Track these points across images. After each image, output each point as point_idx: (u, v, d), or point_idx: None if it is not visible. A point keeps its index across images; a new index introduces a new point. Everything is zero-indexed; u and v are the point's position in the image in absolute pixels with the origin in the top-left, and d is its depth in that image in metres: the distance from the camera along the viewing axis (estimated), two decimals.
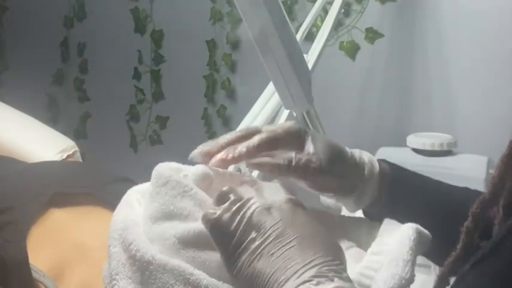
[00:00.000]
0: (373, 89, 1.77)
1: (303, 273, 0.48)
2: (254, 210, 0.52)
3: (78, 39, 2.25)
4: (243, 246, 0.51)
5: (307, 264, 0.49)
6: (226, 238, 0.52)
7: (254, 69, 1.51)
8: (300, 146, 0.62)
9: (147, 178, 0.66)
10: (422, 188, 0.68)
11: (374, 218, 0.66)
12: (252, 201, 0.53)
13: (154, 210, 0.61)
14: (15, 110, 1.12)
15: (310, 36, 1.49)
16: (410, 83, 1.71)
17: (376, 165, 0.65)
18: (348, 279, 0.49)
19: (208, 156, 0.62)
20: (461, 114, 1.64)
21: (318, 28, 1.55)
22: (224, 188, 0.55)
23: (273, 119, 1.23)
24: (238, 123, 1.23)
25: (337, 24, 1.68)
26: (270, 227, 0.51)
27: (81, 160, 1.06)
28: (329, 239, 0.53)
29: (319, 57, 1.30)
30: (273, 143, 0.62)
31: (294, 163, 0.60)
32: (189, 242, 0.57)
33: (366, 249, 0.61)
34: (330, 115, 1.58)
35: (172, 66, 2.10)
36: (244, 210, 0.52)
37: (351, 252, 0.61)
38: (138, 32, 2.12)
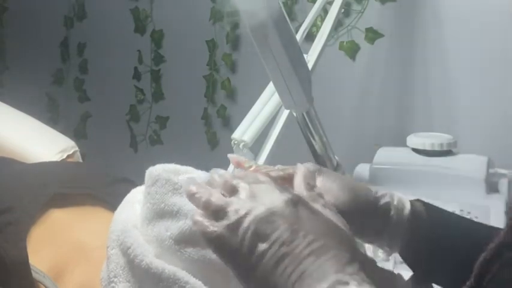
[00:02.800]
0: (373, 89, 1.76)
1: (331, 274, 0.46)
2: (256, 221, 0.50)
3: (78, 39, 2.25)
4: (254, 258, 0.49)
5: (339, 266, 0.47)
6: (234, 255, 0.50)
7: (254, 69, 1.51)
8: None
9: None
10: (459, 231, 0.65)
11: (409, 262, 0.64)
12: (252, 213, 0.50)
13: (147, 211, 0.61)
14: (15, 110, 1.12)
15: (310, 36, 1.48)
16: (410, 83, 1.71)
17: (407, 206, 0.63)
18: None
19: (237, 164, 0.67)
20: (461, 114, 1.64)
21: (318, 28, 1.55)
22: (219, 203, 0.52)
23: (273, 119, 1.23)
24: (238, 123, 1.22)
25: (337, 24, 1.67)
26: (278, 234, 0.49)
27: (81, 160, 1.07)
28: (340, 232, 0.51)
29: (319, 57, 1.30)
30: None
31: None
32: (186, 242, 0.57)
33: None
34: (330, 115, 1.57)
35: (172, 66, 2.10)
36: (245, 224, 0.50)
37: None
38: (138, 32, 2.12)
